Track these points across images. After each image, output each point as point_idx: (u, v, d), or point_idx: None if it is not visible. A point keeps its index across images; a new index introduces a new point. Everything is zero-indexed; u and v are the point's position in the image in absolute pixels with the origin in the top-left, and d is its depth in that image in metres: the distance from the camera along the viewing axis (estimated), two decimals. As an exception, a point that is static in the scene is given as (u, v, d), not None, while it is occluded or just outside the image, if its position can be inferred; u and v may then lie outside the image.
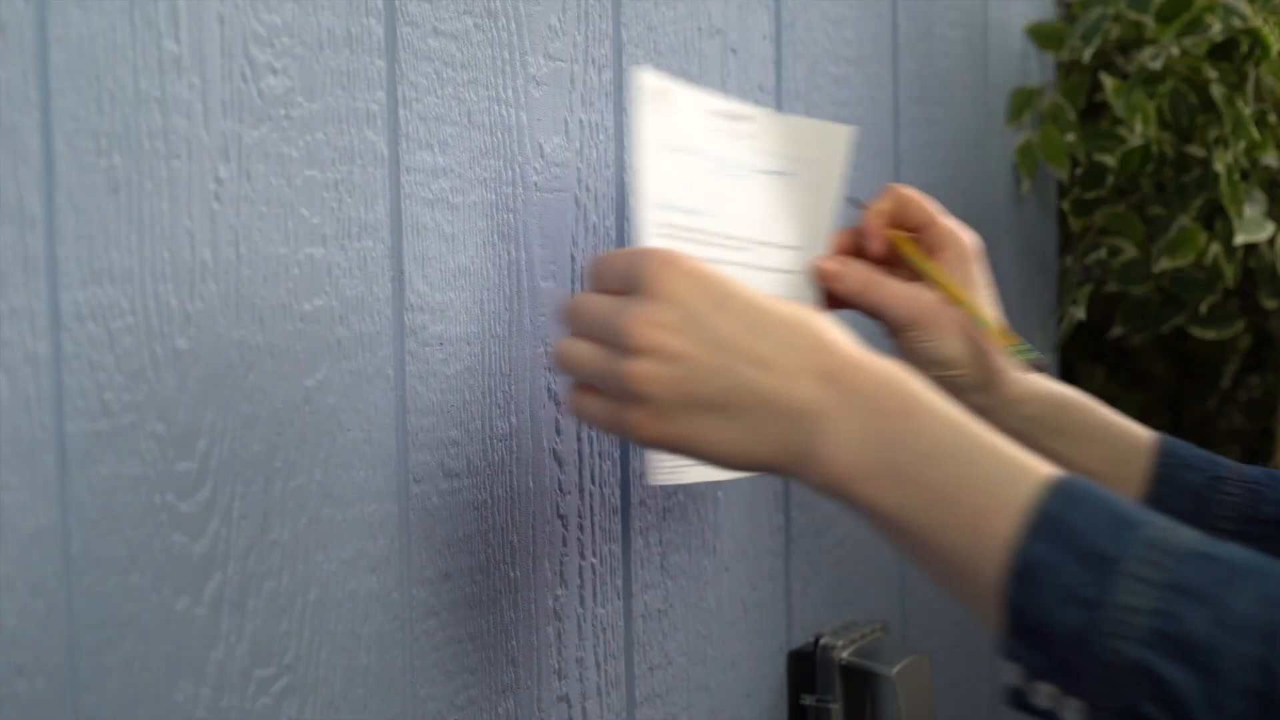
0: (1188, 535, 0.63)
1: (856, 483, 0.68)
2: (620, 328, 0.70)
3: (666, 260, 0.70)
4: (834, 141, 0.95)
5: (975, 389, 0.96)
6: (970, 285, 0.96)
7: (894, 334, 0.97)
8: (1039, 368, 0.93)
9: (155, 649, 0.65)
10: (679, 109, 0.81)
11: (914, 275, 0.97)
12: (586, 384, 0.73)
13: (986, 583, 0.65)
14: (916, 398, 0.68)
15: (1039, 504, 0.64)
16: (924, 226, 0.97)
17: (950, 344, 0.95)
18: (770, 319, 0.69)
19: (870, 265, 0.96)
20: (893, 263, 0.98)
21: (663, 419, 0.70)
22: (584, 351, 0.72)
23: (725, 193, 0.85)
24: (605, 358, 0.71)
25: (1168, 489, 0.94)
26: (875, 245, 0.96)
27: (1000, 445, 0.67)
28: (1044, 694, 0.63)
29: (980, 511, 0.65)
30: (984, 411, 0.97)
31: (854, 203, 1.01)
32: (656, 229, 0.79)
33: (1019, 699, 0.65)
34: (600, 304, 0.72)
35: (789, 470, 0.70)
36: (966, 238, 0.97)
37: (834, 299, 0.98)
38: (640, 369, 0.69)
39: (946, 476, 0.66)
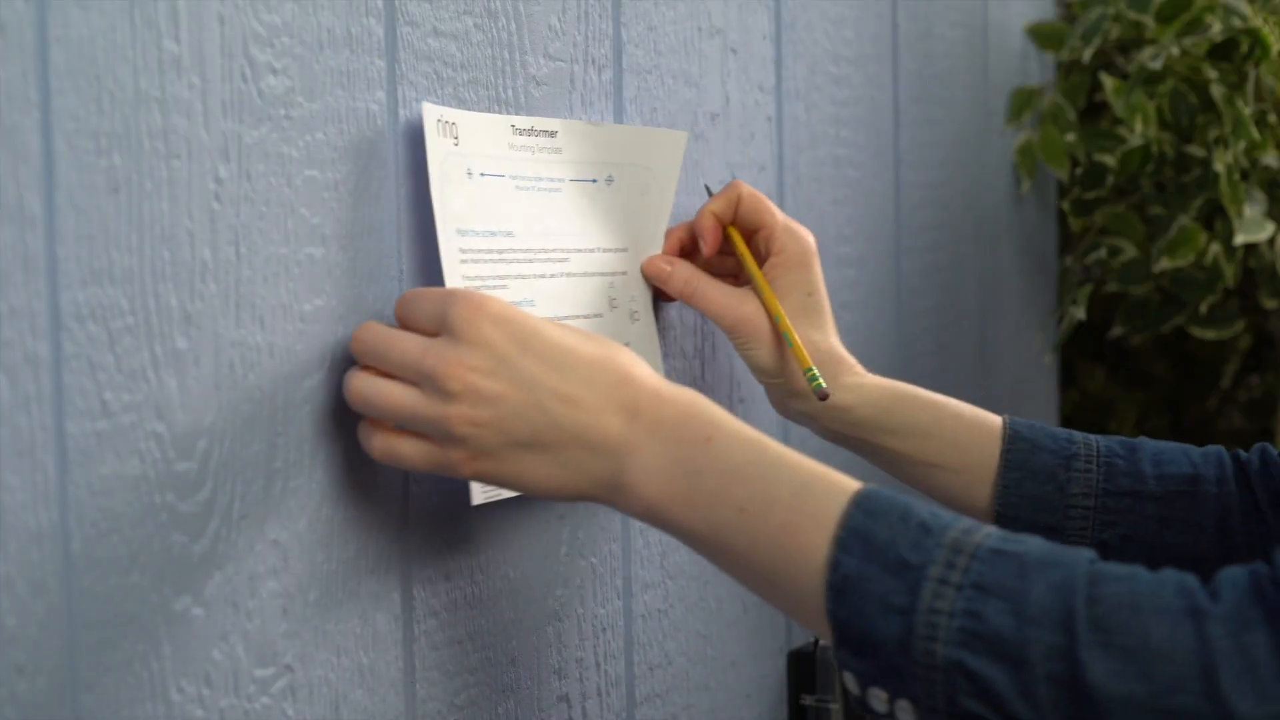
0: (985, 534, 0.66)
1: (668, 508, 0.71)
2: (435, 371, 0.70)
3: (474, 304, 0.71)
4: (665, 146, 0.96)
5: (797, 396, 0.97)
6: (800, 289, 0.96)
7: None
8: (822, 398, 0.93)
9: (155, 649, 0.65)
10: (478, 135, 0.81)
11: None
12: (389, 424, 0.73)
13: (808, 598, 0.68)
14: (716, 424, 0.71)
15: (843, 520, 0.67)
16: (761, 227, 0.97)
17: (766, 354, 0.96)
18: (574, 357, 0.71)
19: (695, 266, 0.97)
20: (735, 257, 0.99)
21: (482, 459, 0.71)
22: (398, 394, 0.71)
23: (537, 208, 0.86)
24: (423, 402, 0.71)
25: (1021, 474, 0.95)
26: (705, 246, 0.97)
27: (800, 463, 0.70)
28: (878, 698, 0.66)
29: (785, 527, 0.68)
30: (811, 418, 0.98)
31: (710, 192, 1.01)
32: (459, 255, 0.79)
33: (861, 704, 0.68)
34: (409, 345, 0.71)
35: (605, 500, 0.72)
36: (803, 239, 0.97)
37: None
38: (459, 412, 0.70)
39: (750, 495, 0.69)
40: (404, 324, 0.74)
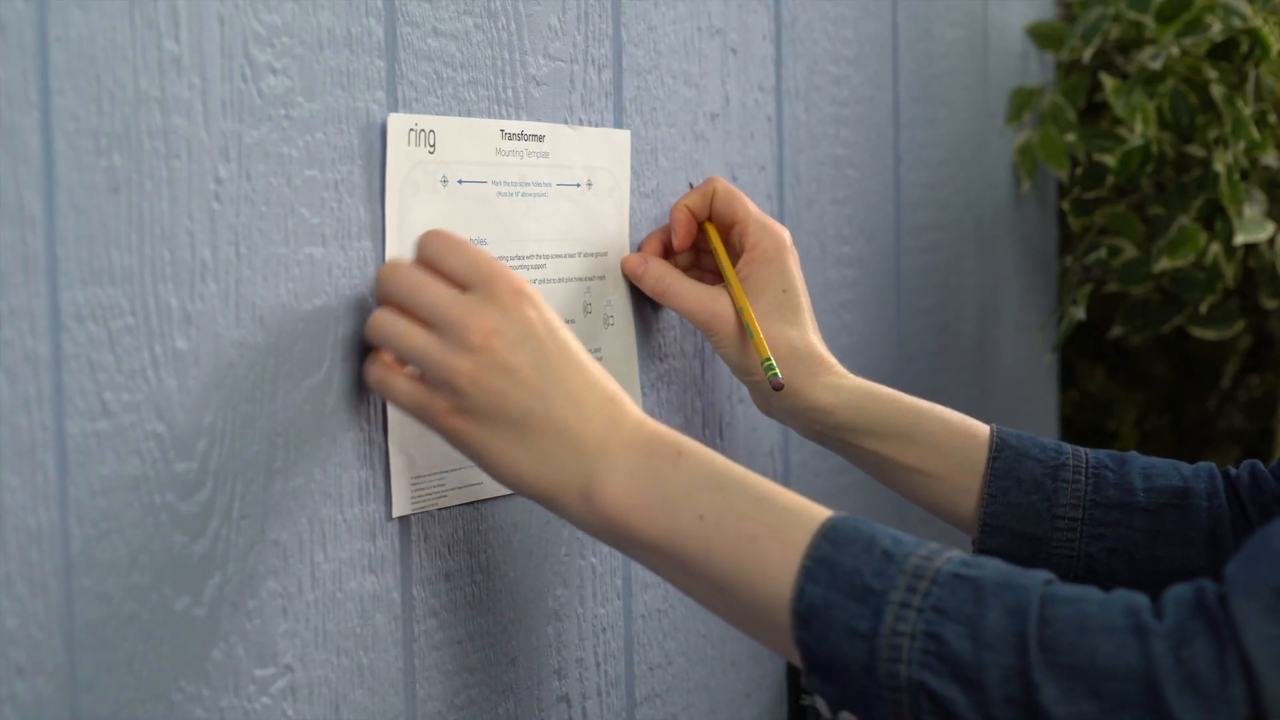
0: (946, 559, 0.68)
1: (627, 517, 0.72)
2: (462, 323, 0.71)
3: (518, 284, 0.73)
4: (617, 146, 0.95)
5: (777, 394, 0.96)
6: (774, 285, 0.96)
7: None
8: (776, 388, 0.93)
9: (155, 649, 0.65)
10: (461, 142, 0.81)
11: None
12: (396, 360, 0.74)
13: (771, 617, 0.70)
14: (687, 446, 0.73)
15: (810, 549, 0.69)
16: (735, 222, 0.97)
17: (740, 351, 0.96)
18: (584, 362, 0.74)
19: (670, 265, 0.97)
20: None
21: (464, 416, 0.72)
22: (414, 334, 0.73)
23: (517, 214, 0.86)
24: (438, 347, 0.72)
25: (1008, 483, 0.94)
26: (676, 239, 0.97)
27: (762, 481, 0.73)
28: None
29: (742, 535, 0.70)
30: (793, 416, 0.98)
31: (691, 188, 1.01)
32: None
33: None
34: (440, 292, 0.73)
35: (561, 502, 0.73)
36: (777, 235, 0.97)
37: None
38: (468, 368, 0.71)
39: (709, 504, 0.71)
40: (432, 266, 0.74)
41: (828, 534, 0.69)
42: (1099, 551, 0.93)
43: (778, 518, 0.71)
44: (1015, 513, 0.94)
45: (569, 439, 0.72)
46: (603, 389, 0.74)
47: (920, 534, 0.73)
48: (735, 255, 0.98)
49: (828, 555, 0.69)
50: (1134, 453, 0.97)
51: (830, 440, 0.98)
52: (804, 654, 0.69)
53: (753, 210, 0.97)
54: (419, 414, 0.74)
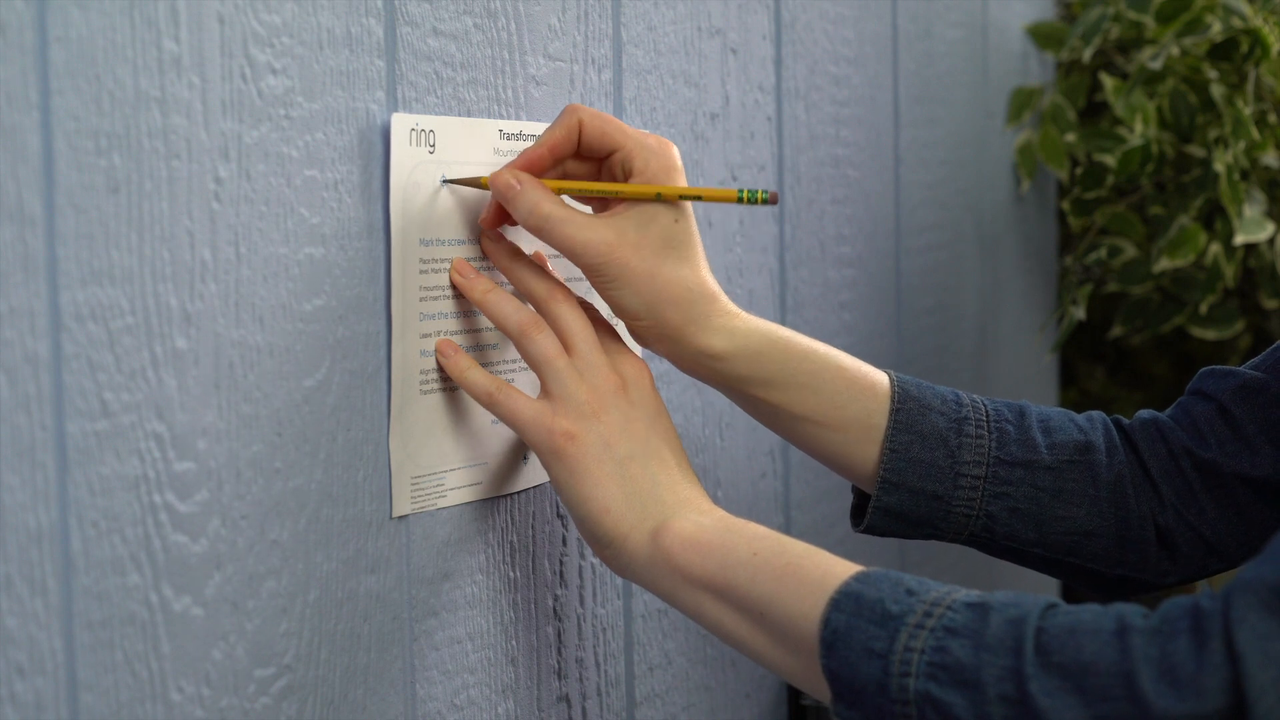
0: (964, 593, 0.72)
1: (690, 550, 0.78)
2: (604, 370, 0.81)
3: (644, 362, 0.85)
4: None
5: (666, 338, 0.86)
6: (666, 213, 0.83)
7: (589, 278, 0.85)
8: (774, 201, 0.83)
9: (155, 649, 0.65)
10: (459, 142, 0.80)
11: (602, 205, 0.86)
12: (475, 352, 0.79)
13: (800, 648, 0.75)
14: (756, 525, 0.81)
15: (841, 587, 0.74)
16: (615, 149, 0.84)
17: (633, 294, 0.83)
18: (676, 445, 0.84)
19: (549, 189, 0.82)
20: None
21: (578, 444, 0.79)
22: (562, 357, 0.81)
23: None
24: (577, 376, 0.80)
25: (911, 437, 0.90)
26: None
27: (819, 551, 0.78)
28: None
29: (789, 566, 0.76)
30: (678, 359, 0.88)
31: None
32: (418, 265, 0.79)
33: None
34: (590, 333, 0.82)
35: (633, 541, 0.79)
36: (665, 156, 0.83)
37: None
38: (597, 403, 0.80)
39: (766, 546, 0.78)
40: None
41: (859, 576, 0.74)
42: (1000, 511, 0.91)
43: (826, 559, 0.76)
44: (917, 469, 0.91)
45: (656, 491, 0.80)
46: (689, 471, 0.82)
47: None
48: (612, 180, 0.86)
49: (855, 590, 0.73)
50: (1026, 401, 0.94)
51: (718, 385, 0.91)
52: (829, 680, 0.72)
53: (630, 131, 0.84)
54: (531, 426, 0.80)
